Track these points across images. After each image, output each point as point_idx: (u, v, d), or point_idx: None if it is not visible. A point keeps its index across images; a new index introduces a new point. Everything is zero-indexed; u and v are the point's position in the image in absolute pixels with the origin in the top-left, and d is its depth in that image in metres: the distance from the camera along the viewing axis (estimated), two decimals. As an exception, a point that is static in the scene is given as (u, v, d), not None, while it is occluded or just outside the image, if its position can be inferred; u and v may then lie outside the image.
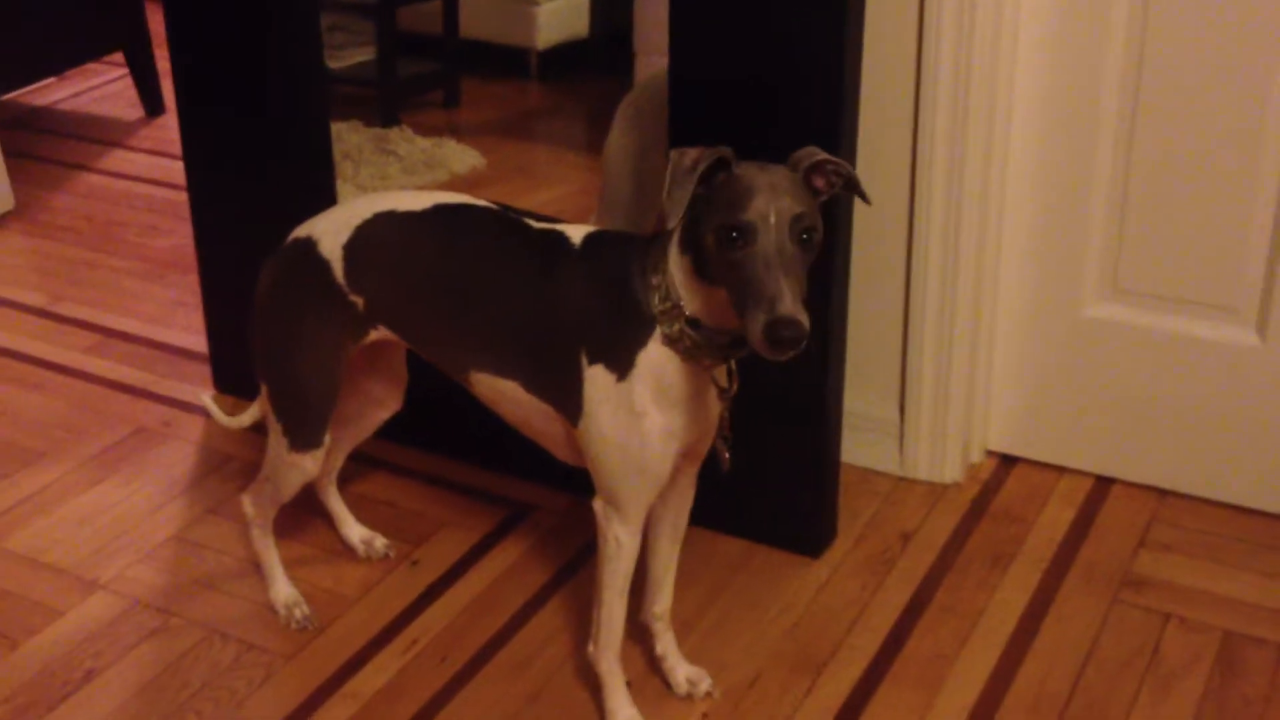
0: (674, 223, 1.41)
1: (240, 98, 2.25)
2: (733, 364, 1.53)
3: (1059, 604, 1.94)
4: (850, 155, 1.85)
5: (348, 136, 3.68)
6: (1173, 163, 1.99)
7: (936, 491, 2.19)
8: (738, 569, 2.01)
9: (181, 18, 2.24)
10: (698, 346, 1.46)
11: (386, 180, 3.44)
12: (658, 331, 1.47)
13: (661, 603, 1.75)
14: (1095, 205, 2.06)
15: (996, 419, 2.25)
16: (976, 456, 2.26)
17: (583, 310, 1.52)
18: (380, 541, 2.06)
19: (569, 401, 1.54)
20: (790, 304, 1.31)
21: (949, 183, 2.00)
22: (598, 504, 1.60)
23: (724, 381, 1.53)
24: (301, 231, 1.74)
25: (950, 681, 1.80)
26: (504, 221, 1.63)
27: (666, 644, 1.78)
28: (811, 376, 1.93)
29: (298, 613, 1.91)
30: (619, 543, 1.59)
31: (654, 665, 1.80)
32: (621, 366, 1.49)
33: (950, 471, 2.20)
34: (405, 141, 3.72)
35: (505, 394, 1.62)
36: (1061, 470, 2.23)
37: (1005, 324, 2.17)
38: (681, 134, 1.88)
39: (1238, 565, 2.01)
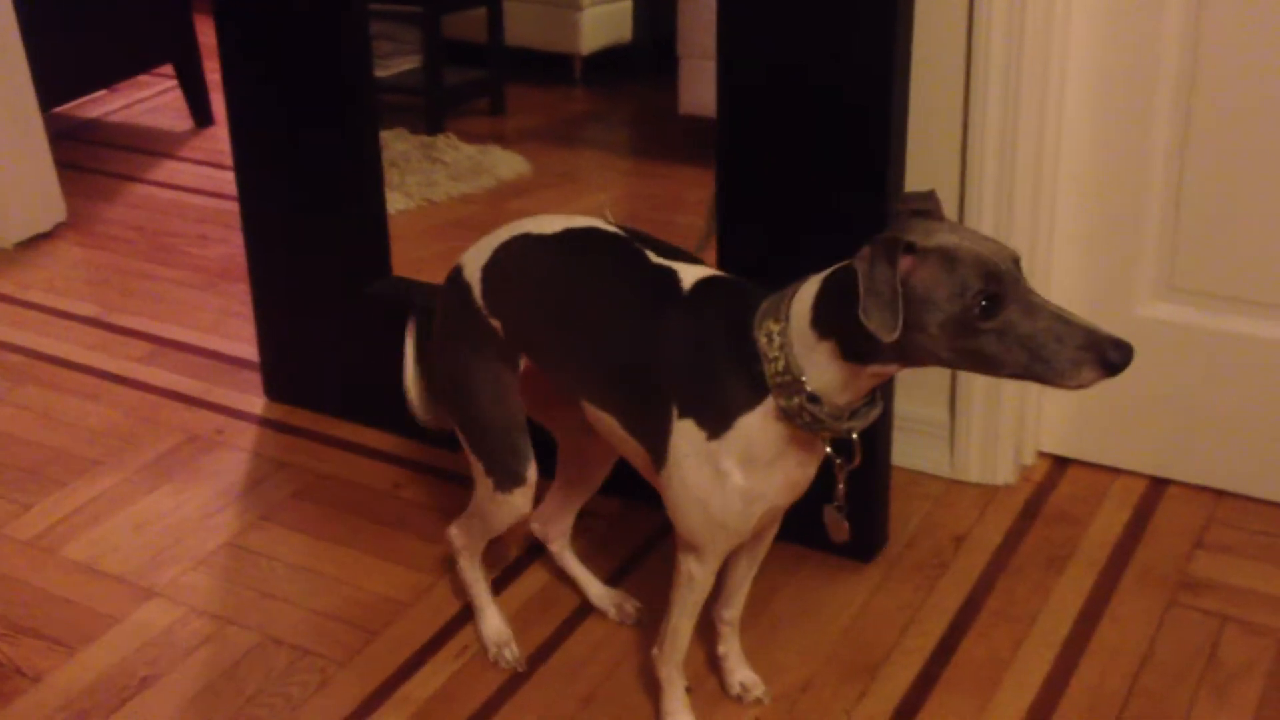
0: (891, 339, 1.24)
1: (289, 108, 2.27)
2: (855, 435, 1.44)
3: (1115, 607, 1.92)
4: (900, 153, 1.84)
5: (394, 144, 3.71)
6: (1229, 159, 1.96)
7: (988, 494, 2.17)
8: (790, 574, 2.01)
9: (231, 30, 2.26)
10: (817, 420, 1.39)
11: (433, 188, 3.47)
12: (768, 401, 1.40)
13: (733, 609, 1.75)
14: (1150, 203, 2.04)
15: (1049, 420, 2.23)
16: (1029, 458, 2.24)
17: (681, 360, 1.45)
18: (631, 605, 1.93)
19: (657, 447, 1.49)
20: (1100, 329, 1.23)
21: (1000, 182, 1.99)
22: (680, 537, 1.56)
23: (844, 453, 1.46)
24: (460, 257, 1.72)
25: (1005, 685, 1.78)
26: (624, 252, 1.56)
27: (730, 645, 1.78)
28: (862, 379, 1.92)
29: (507, 653, 1.84)
30: (692, 577, 1.57)
31: (713, 664, 1.80)
32: (715, 426, 1.43)
33: (1002, 473, 2.18)
34: (451, 149, 3.74)
35: (606, 425, 1.59)
36: (1115, 472, 2.21)
37: (1057, 324, 2.15)
38: (729, 139, 1.88)
39: (1297, 567, 1.99)
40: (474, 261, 1.67)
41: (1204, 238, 2.02)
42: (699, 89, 3.63)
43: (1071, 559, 2.02)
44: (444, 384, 1.73)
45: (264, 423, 2.47)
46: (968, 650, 1.85)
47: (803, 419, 1.38)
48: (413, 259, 2.84)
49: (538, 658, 1.86)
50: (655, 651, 1.69)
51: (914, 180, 1.97)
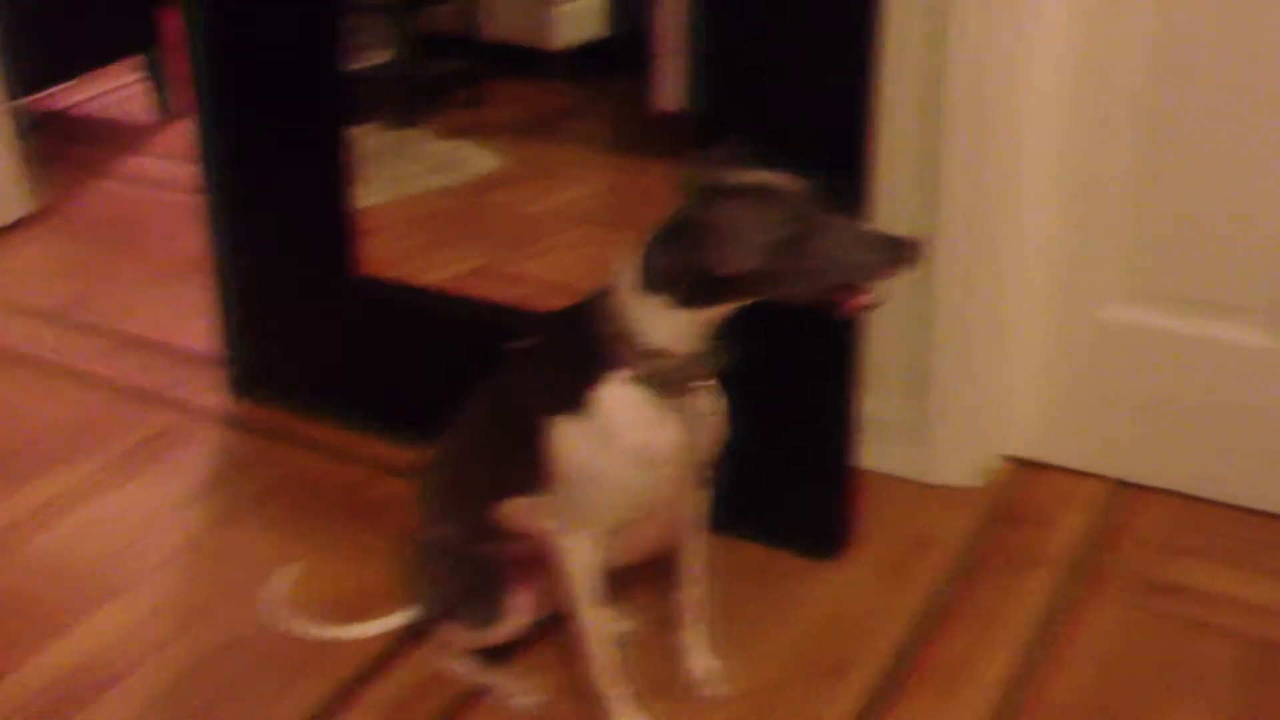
0: (751, 268, 1.36)
1: (259, 101, 2.25)
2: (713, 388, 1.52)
3: (1081, 610, 1.93)
4: (870, 148, 1.84)
5: (368, 137, 3.68)
6: (1194, 163, 1.97)
7: (956, 496, 2.18)
8: (756, 574, 2.01)
9: (199, 22, 2.24)
10: (668, 374, 1.46)
11: (408, 181, 3.44)
12: (619, 372, 1.46)
13: (686, 590, 1.74)
14: (1116, 207, 2.04)
15: (1016, 423, 2.23)
16: (996, 461, 2.24)
17: (541, 383, 1.53)
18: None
19: (543, 467, 1.53)
20: (889, 231, 1.37)
21: (968, 184, 1.99)
22: (548, 525, 1.58)
23: (706, 406, 1.51)
24: None
25: (971, 688, 1.79)
26: (490, 384, 1.66)
27: (694, 635, 1.77)
28: (830, 380, 1.92)
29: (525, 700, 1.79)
30: (572, 551, 1.57)
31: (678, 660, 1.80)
32: (577, 407, 1.48)
33: (970, 476, 2.19)
34: (427, 142, 3.72)
35: (521, 512, 1.62)
36: (1082, 475, 2.21)
37: (1025, 327, 2.16)
38: (705, 134, 1.87)
39: (1263, 571, 1.99)
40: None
41: (1169, 241, 2.03)
42: (676, 85, 3.62)
43: (1038, 562, 2.03)
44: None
45: (230, 419, 2.46)
46: (933, 653, 1.85)
47: (657, 379, 1.45)
48: (386, 254, 2.83)
49: (506, 656, 1.85)
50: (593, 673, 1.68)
51: (884, 173, 1.97)
